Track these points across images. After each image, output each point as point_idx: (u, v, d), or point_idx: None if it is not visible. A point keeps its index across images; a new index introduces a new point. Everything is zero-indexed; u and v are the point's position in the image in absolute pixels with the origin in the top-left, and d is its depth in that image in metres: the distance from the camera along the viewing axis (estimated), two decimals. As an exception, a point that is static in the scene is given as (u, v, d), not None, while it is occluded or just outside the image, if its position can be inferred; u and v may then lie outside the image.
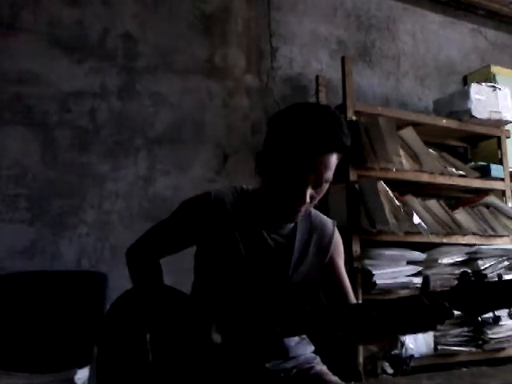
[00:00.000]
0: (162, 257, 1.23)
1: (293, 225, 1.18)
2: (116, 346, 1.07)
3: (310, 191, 1.03)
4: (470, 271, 0.97)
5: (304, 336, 1.23)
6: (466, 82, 3.39)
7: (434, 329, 0.94)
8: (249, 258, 1.13)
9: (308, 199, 1.04)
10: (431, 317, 0.91)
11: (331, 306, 1.18)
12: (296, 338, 1.19)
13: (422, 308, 0.91)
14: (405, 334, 1.02)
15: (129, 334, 1.06)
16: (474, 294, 0.92)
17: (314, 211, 1.25)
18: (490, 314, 0.94)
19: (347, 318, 1.01)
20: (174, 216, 1.21)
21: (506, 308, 0.90)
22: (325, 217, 1.28)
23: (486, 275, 0.94)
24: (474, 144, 3.19)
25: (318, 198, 1.09)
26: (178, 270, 1.52)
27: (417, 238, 2.40)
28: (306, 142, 1.00)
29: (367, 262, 2.31)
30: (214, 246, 1.15)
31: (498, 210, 2.79)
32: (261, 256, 1.13)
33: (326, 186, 1.07)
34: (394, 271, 2.35)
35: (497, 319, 0.92)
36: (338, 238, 1.26)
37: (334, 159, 1.03)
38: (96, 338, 1.25)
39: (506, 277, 0.93)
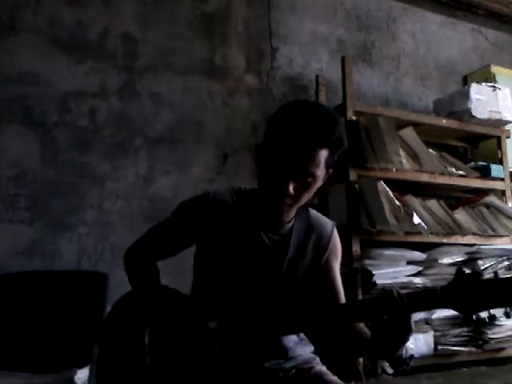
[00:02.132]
0: (160, 259, 1.22)
1: (291, 224, 1.18)
2: (115, 348, 1.07)
3: (292, 184, 1.04)
4: (465, 269, 0.96)
5: (303, 336, 1.23)
6: (466, 81, 3.39)
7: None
8: (245, 257, 1.14)
9: (291, 191, 1.04)
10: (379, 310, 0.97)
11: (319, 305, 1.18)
12: (295, 339, 1.19)
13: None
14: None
15: (127, 337, 1.07)
16: (469, 291, 0.92)
17: (312, 212, 1.25)
18: (487, 314, 0.93)
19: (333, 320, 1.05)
20: (173, 217, 1.21)
21: (501, 307, 0.90)
22: (325, 218, 1.27)
23: (481, 273, 0.93)
24: (474, 144, 3.19)
25: (306, 195, 1.09)
26: (179, 271, 1.52)
27: (417, 238, 2.40)
28: (289, 134, 1.03)
29: (367, 261, 2.32)
30: (212, 246, 1.16)
31: (498, 210, 2.78)
32: (257, 254, 1.14)
33: (314, 183, 1.08)
34: (394, 271, 2.35)
35: (492, 318, 0.91)
36: (336, 241, 1.25)
37: (319, 154, 1.04)
38: (96, 340, 1.26)
39: (503, 275, 0.92)
